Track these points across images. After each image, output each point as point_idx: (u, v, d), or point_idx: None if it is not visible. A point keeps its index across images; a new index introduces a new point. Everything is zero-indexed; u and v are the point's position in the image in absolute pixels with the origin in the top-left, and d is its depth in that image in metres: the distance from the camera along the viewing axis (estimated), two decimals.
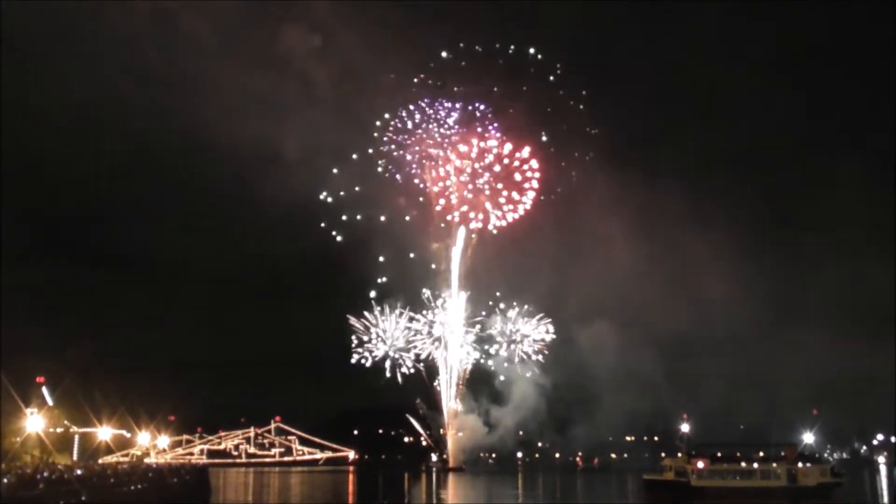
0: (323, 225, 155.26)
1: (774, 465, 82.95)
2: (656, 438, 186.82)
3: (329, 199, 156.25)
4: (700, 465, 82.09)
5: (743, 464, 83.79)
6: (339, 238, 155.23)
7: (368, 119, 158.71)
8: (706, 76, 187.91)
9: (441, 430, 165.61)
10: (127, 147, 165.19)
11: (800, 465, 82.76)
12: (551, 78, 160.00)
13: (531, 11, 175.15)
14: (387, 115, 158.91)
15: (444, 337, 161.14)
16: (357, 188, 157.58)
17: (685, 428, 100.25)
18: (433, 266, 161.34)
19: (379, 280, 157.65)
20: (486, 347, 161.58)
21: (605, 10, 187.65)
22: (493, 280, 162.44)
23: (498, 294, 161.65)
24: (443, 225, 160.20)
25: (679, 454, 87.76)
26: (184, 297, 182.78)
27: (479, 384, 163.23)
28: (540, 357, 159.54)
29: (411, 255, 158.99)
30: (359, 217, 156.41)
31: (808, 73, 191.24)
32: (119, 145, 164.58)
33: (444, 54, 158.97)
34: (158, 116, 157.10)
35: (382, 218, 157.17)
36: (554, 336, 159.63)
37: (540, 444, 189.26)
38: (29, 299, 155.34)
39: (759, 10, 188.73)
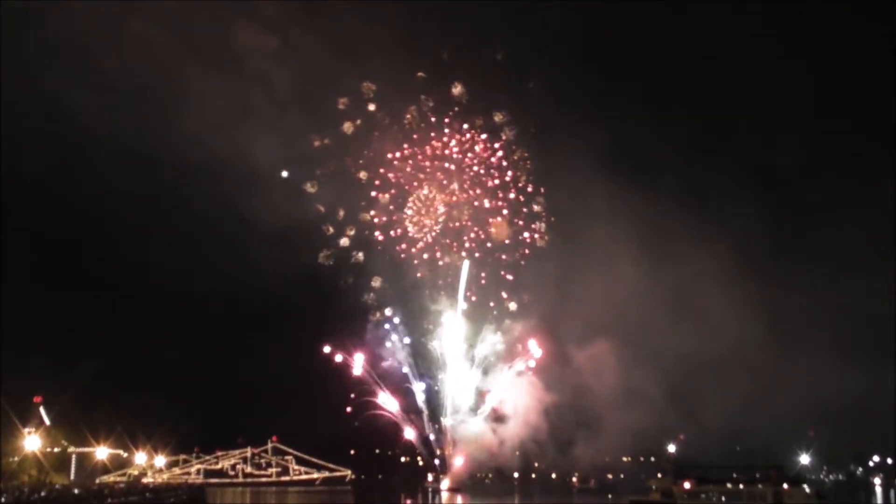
0: (312, 242, 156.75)
1: (760, 486, 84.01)
2: (653, 459, 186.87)
3: (315, 215, 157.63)
4: (686, 485, 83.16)
5: (729, 485, 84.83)
6: (327, 258, 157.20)
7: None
8: (712, 91, 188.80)
9: (439, 451, 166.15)
10: (112, 163, 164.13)
11: (785, 486, 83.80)
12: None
13: (522, 12, 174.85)
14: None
15: (445, 358, 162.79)
16: (342, 203, 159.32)
17: (672, 448, 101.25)
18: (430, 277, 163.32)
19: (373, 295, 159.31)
20: (485, 366, 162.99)
21: (604, 19, 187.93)
22: (492, 297, 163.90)
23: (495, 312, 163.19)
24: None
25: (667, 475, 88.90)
26: (180, 318, 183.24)
27: (479, 402, 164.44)
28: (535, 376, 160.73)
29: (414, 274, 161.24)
30: (349, 232, 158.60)
31: (819, 89, 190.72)
32: (105, 161, 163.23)
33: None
34: (135, 129, 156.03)
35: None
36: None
37: (536, 465, 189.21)
38: (26, 320, 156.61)
39: (769, 25, 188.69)
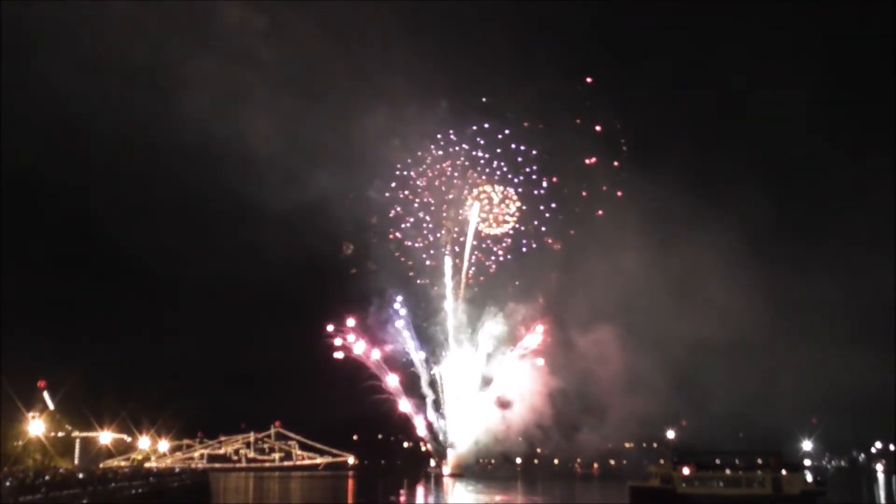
0: (315, 227, 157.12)
1: (760, 472, 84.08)
2: (655, 445, 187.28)
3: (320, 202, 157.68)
4: (686, 471, 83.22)
5: (728, 471, 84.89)
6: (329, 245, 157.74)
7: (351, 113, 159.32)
8: (723, 78, 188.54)
9: (442, 436, 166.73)
10: (113, 148, 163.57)
11: (784, 472, 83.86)
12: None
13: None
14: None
15: (448, 342, 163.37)
16: (350, 189, 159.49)
17: (671, 435, 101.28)
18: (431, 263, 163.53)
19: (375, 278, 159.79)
20: (488, 352, 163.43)
21: (617, 2, 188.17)
22: (495, 283, 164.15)
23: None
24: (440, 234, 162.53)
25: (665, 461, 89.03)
26: (184, 304, 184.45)
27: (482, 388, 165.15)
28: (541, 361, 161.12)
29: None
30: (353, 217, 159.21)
31: (830, 76, 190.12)
32: (105, 146, 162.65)
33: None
34: (133, 114, 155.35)
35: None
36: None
37: (540, 450, 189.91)
38: (30, 306, 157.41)
39: (782, 13, 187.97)
